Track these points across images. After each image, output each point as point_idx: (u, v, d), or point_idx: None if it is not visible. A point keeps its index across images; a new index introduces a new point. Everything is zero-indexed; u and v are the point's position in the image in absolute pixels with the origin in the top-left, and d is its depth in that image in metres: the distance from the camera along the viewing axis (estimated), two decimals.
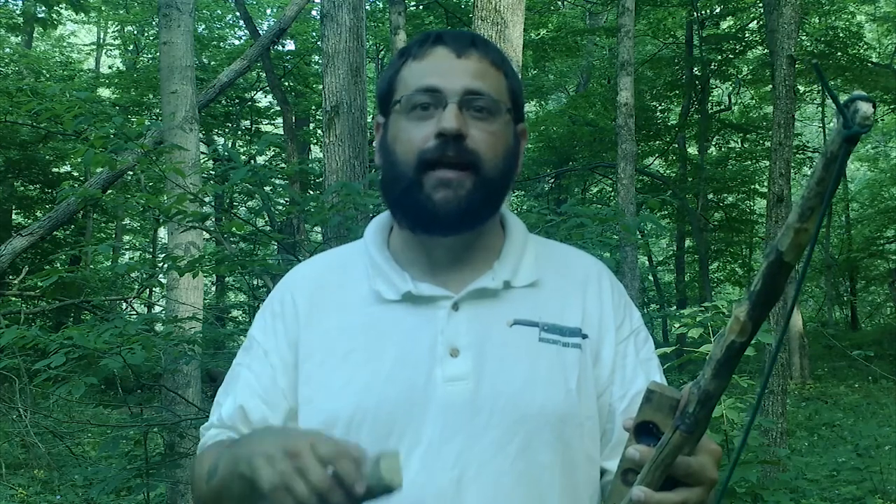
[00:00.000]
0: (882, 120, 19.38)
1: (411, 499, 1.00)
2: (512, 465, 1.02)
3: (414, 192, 1.06)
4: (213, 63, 16.75)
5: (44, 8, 10.02)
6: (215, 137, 17.92)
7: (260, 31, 13.16)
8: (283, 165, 15.96)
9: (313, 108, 16.60)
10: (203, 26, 17.26)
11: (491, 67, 1.09)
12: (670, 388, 0.86)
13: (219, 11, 17.51)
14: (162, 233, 17.93)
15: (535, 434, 1.03)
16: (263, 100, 19.35)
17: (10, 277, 9.74)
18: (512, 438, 1.03)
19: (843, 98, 0.66)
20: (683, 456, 0.83)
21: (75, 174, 15.19)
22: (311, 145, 18.24)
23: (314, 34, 15.72)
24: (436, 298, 1.09)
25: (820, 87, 16.06)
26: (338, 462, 0.83)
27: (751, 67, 16.41)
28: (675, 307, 17.45)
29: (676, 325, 4.35)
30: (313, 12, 16.13)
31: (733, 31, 16.11)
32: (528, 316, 1.09)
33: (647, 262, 19.77)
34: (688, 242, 17.79)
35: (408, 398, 1.03)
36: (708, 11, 15.87)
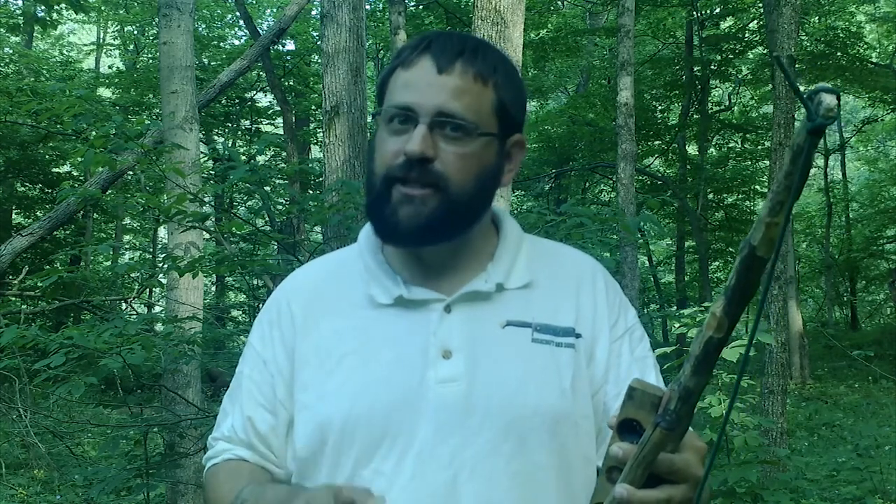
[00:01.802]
0: (882, 120, 19.40)
1: (406, 500, 1.01)
2: (506, 466, 1.02)
3: (381, 203, 1.07)
4: (213, 63, 16.76)
5: (43, 8, 10.02)
6: (215, 137, 17.93)
7: (260, 31, 13.16)
8: (283, 165, 15.97)
9: (313, 108, 16.60)
10: (203, 26, 17.27)
11: (474, 83, 1.06)
12: (653, 385, 0.85)
13: (219, 11, 17.52)
14: (162, 233, 17.93)
15: (529, 434, 1.03)
16: (263, 100, 19.36)
17: (10, 277, 9.73)
18: (506, 439, 1.02)
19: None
20: (667, 453, 0.83)
21: (75, 174, 15.19)
22: (311, 145, 18.25)
23: (314, 34, 15.73)
24: (428, 301, 1.09)
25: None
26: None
27: (751, 67, 16.42)
28: (675, 307, 17.45)
29: (676, 325, 4.35)
30: (313, 12, 16.13)
31: (733, 31, 16.12)
32: (520, 317, 1.09)
33: (647, 262, 19.77)
34: (688, 242, 17.79)
35: (401, 401, 1.03)
36: (708, 12, 15.87)
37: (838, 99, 0.64)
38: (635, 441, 0.83)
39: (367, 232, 1.19)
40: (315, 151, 19.02)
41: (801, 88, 0.65)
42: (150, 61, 17.63)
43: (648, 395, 0.84)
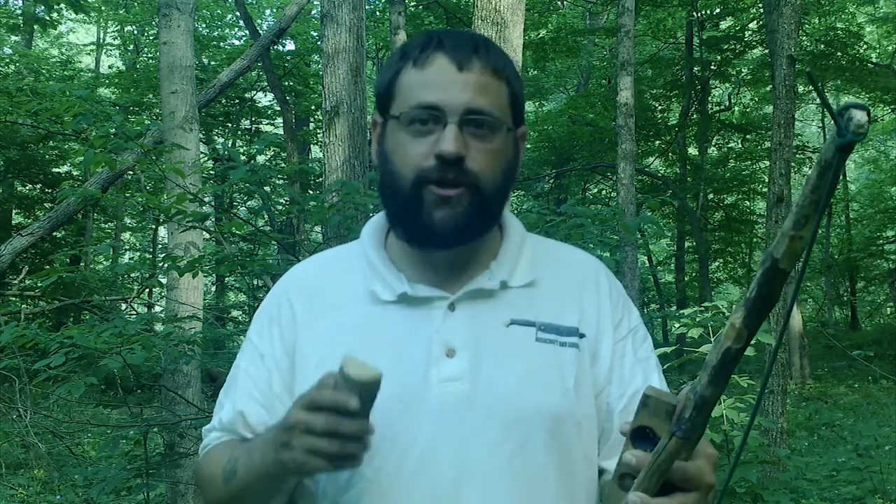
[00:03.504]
0: (882, 120, 19.40)
1: (409, 499, 1.01)
2: (508, 465, 1.02)
3: (413, 208, 1.05)
4: (213, 63, 16.76)
5: (43, 7, 10.02)
6: (215, 137, 17.92)
7: (260, 31, 13.16)
8: (283, 165, 15.96)
9: (313, 108, 16.60)
10: (203, 26, 17.26)
11: (493, 79, 1.07)
12: (667, 392, 0.85)
13: (219, 11, 17.51)
14: (162, 233, 17.94)
15: (531, 434, 1.03)
16: (263, 100, 19.35)
17: (10, 277, 9.74)
18: (508, 438, 1.02)
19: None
20: (680, 461, 0.83)
21: (75, 174, 15.20)
22: (311, 145, 18.24)
23: (314, 34, 15.72)
24: (432, 299, 1.08)
25: (820, 87, 16.05)
26: (320, 398, 0.91)
27: (751, 68, 16.42)
28: (675, 307, 17.45)
29: (676, 325, 4.35)
30: (313, 12, 16.13)
31: (733, 31, 16.12)
32: (524, 316, 1.09)
33: (647, 262, 19.77)
34: (688, 242, 17.79)
35: (403, 399, 1.03)
36: (708, 12, 15.87)
37: (868, 115, 0.64)
38: (648, 448, 0.83)
39: (370, 228, 1.18)
40: (315, 151, 19.02)
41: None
42: (150, 61, 17.62)
43: (663, 403, 0.84)
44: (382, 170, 1.10)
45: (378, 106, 1.14)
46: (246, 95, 17.67)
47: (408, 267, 1.12)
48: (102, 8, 17.47)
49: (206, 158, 10.30)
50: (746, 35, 15.65)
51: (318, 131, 16.77)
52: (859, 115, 0.64)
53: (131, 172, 8.46)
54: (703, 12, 15.75)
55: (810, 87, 15.99)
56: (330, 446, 0.91)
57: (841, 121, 0.64)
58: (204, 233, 5.30)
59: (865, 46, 16.76)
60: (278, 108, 16.28)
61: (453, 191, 1.03)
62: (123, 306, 10.52)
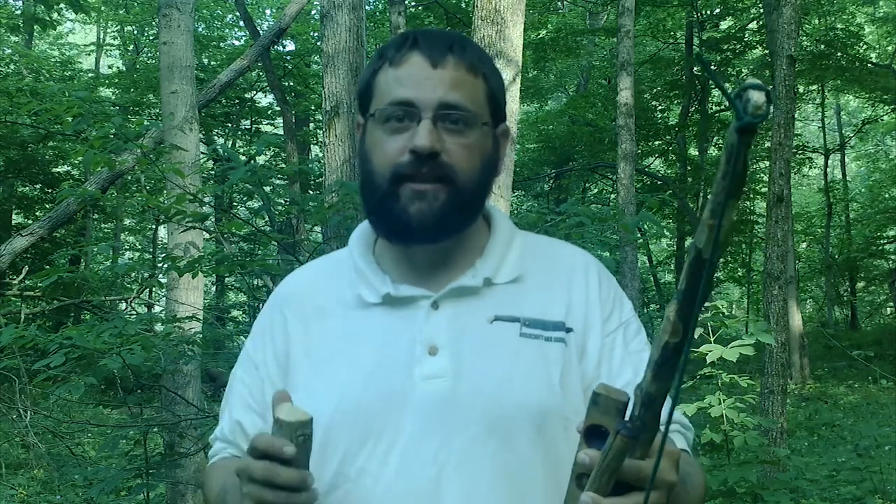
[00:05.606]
0: (882, 120, 19.41)
1: (391, 497, 1.01)
2: (491, 461, 1.01)
3: (389, 203, 1.06)
4: (213, 63, 16.76)
5: (43, 8, 10.02)
6: (215, 137, 17.92)
7: (260, 31, 13.16)
8: (282, 165, 15.96)
9: (313, 108, 16.60)
10: (203, 26, 17.27)
11: (468, 74, 1.08)
12: (617, 390, 0.84)
13: (219, 11, 17.52)
14: (162, 233, 17.94)
15: (515, 430, 1.03)
16: (263, 100, 19.36)
17: (10, 277, 9.75)
18: (491, 435, 1.02)
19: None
20: (635, 459, 0.81)
21: (75, 174, 15.20)
22: (311, 145, 18.25)
23: (314, 34, 15.72)
24: (415, 298, 1.09)
25: (820, 87, 16.09)
26: (257, 443, 0.92)
27: (751, 68, 16.42)
28: None
29: None
30: (313, 12, 16.13)
31: (733, 31, 16.13)
32: (509, 312, 1.09)
33: (647, 262, 19.78)
34: (688, 242, 17.78)
35: (386, 397, 1.03)
36: (708, 12, 15.88)
37: (768, 96, 0.62)
38: (602, 447, 0.82)
39: (357, 233, 1.19)
40: (315, 151, 19.02)
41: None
42: (150, 61, 17.62)
43: (613, 400, 0.83)
44: (362, 168, 1.12)
45: (359, 107, 1.15)
46: (246, 96, 17.67)
47: (393, 268, 1.12)
48: (102, 8, 17.47)
49: (205, 159, 10.31)
50: (746, 35, 15.65)
51: (318, 131, 16.77)
52: (756, 96, 0.62)
53: (131, 172, 8.46)
54: (703, 12, 15.75)
55: (811, 87, 16.03)
56: (275, 498, 0.91)
57: (739, 103, 0.63)
58: (204, 233, 5.31)
59: (865, 46, 16.77)
60: (278, 109, 16.27)
61: (429, 186, 1.04)
62: (123, 306, 10.52)
